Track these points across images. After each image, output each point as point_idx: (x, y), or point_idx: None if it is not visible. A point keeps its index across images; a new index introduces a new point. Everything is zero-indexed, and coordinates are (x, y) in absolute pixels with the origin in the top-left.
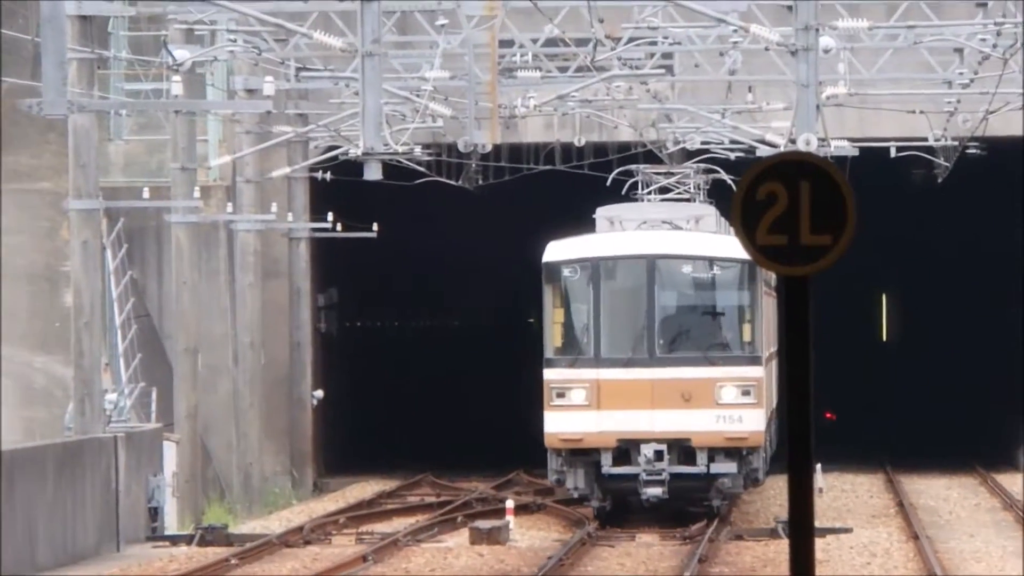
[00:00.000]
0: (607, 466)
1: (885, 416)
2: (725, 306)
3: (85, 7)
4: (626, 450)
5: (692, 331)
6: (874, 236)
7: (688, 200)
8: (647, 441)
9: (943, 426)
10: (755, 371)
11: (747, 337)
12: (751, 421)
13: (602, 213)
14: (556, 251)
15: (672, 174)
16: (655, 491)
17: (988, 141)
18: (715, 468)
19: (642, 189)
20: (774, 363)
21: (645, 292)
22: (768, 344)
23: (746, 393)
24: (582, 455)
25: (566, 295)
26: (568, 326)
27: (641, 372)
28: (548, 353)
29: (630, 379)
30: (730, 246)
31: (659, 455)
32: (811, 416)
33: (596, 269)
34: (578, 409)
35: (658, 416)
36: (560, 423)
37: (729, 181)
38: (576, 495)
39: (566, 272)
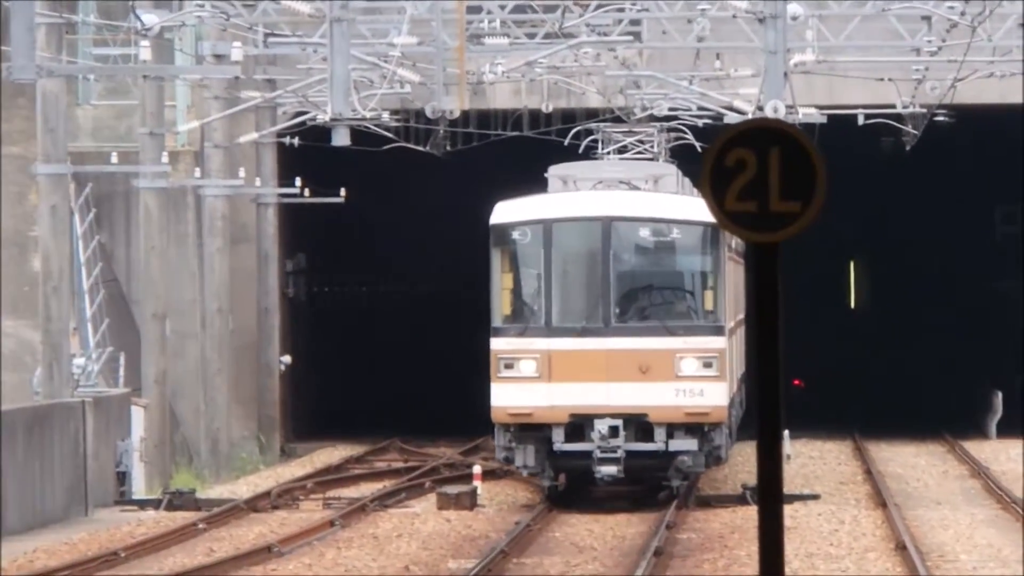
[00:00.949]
0: (559, 443)
1: (853, 383)
2: (686, 272)
3: None
4: (579, 425)
5: (650, 299)
6: (842, 204)
7: (649, 160)
8: (601, 416)
9: (911, 393)
10: (717, 341)
11: (709, 305)
12: (713, 395)
13: (554, 172)
14: (505, 212)
15: (634, 133)
16: (610, 469)
17: (956, 109)
18: (674, 445)
19: (602, 148)
20: (740, 332)
21: (600, 256)
22: (733, 313)
23: (708, 365)
24: (532, 430)
25: (515, 259)
26: (517, 293)
27: (595, 342)
28: (496, 322)
29: (583, 350)
30: (691, 208)
31: (614, 431)
32: (780, 384)
33: (547, 231)
34: (528, 381)
35: (613, 389)
36: (508, 396)
37: (697, 146)
38: (526, 473)
39: (515, 235)
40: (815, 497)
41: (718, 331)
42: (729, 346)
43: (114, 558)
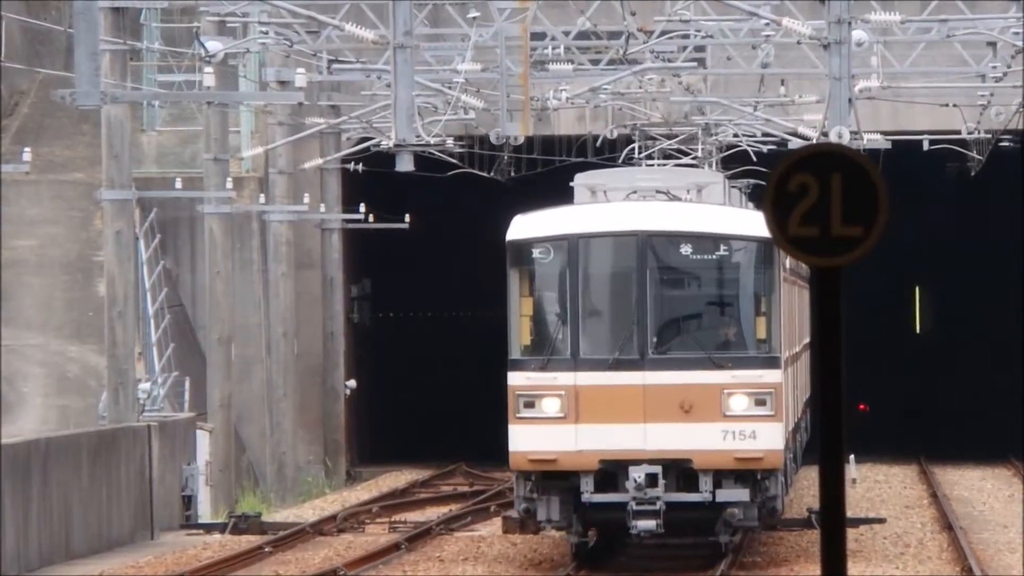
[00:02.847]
0: (588, 493)
1: (919, 407)
2: (735, 295)
3: None
4: (611, 473)
5: (693, 326)
6: (908, 229)
7: (692, 166)
8: (637, 462)
9: (977, 418)
10: (772, 375)
11: (762, 333)
12: (767, 437)
13: (582, 180)
14: (524, 227)
15: (674, 136)
16: (647, 524)
17: (1020, 134)
18: (722, 496)
19: (639, 153)
20: (799, 363)
21: (635, 277)
22: (790, 341)
23: (761, 403)
24: (557, 479)
25: (536, 282)
26: (539, 320)
27: (630, 377)
28: (514, 353)
29: (616, 385)
30: (741, 221)
31: (652, 480)
32: (843, 407)
33: (573, 249)
34: (551, 423)
35: (651, 431)
36: (529, 440)
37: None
38: (549, 528)
39: (536, 253)
40: (881, 521)
41: (772, 363)
42: (786, 379)
43: None
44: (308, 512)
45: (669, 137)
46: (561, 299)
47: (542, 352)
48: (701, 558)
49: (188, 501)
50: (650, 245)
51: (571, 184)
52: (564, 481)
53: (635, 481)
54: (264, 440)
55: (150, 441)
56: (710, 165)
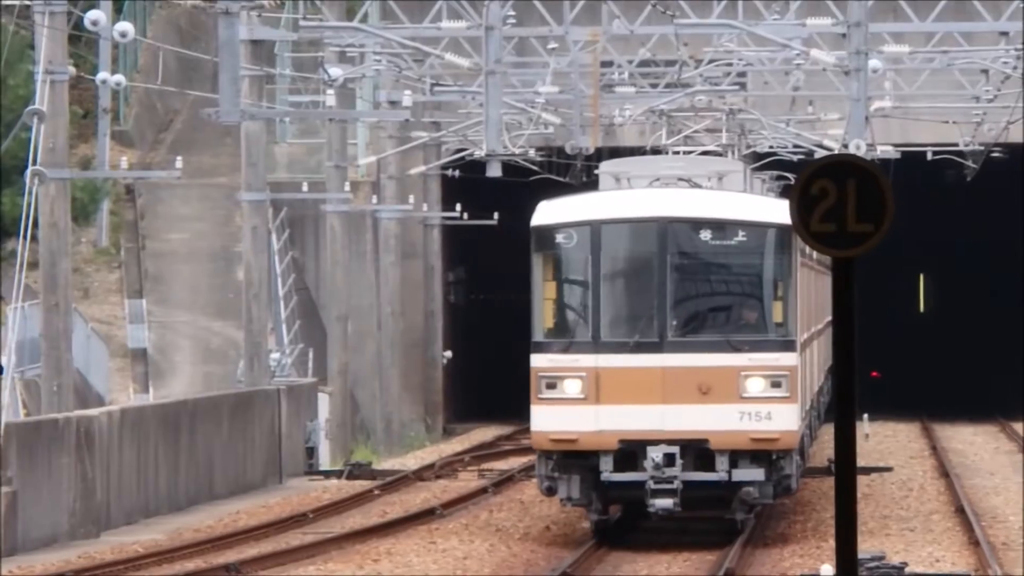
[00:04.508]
0: (607, 472)
1: (922, 375)
2: (753, 280)
3: (256, 32)
4: (631, 453)
5: (712, 310)
6: (913, 226)
7: (717, 155)
8: (656, 442)
9: (970, 383)
10: (788, 358)
11: (779, 317)
12: (782, 418)
13: (606, 168)
14: (548, 213)
15: (703, 117)
16: (665, 502)
17: (1009, 146)
18: (738, 475)
19: (667, 139)
20: (814, 345)
21: (655, 262)
22: (807, 325)
23: (776, 385)
24: (577, 458)
25: (559, 266)
26: (561, 304)
27: (649, 359)
28: (537, 336)
29: (636, 367)
30: (759, 207)
31: (670, 459)
32: (855, 379)
33: (596, 234)
34: (572, 403)
35: (669, 412)
36: (550, 420)
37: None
38: (570, 505)
39: (560, 238)
40: (889, 469)
41: (789, 346)
42: (802, 362)
43: (304, 518)
44: (411, 461)
45: (696, 116)
46: (583, 283)
47: (564, 335)
48: (718, 533)
49: (311, 452)
50: (670, 231)
51: (595, 172)
52: (584, 460)
53: (653, 461)
54: (374, 401)
55: (279, 402)
56: (733, 154)
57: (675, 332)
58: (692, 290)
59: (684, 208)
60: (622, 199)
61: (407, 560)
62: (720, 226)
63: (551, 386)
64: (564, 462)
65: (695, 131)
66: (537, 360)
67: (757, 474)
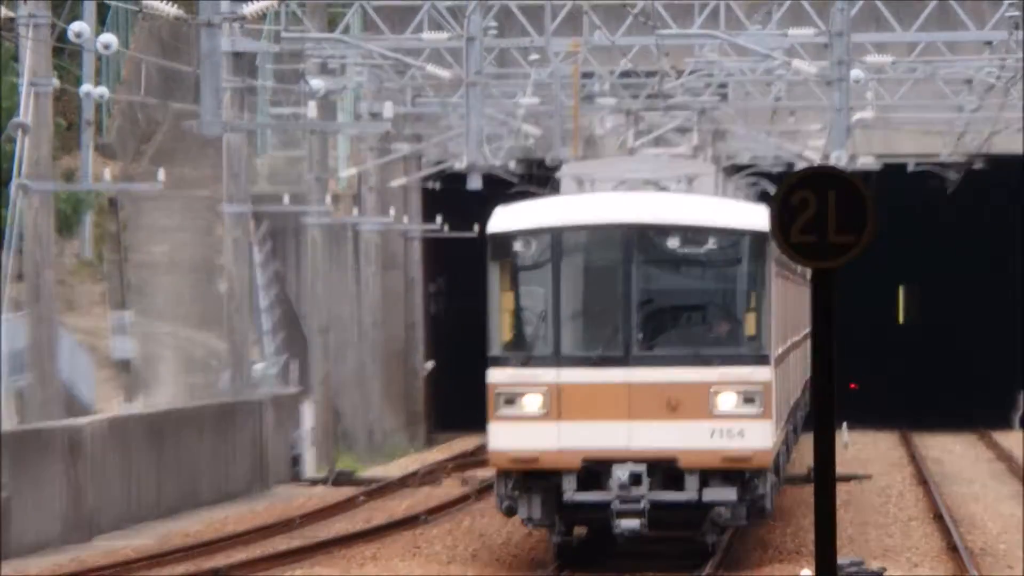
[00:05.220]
0: (570, 492)
1: (901, 385)
2: (724, 290)
3: (238, 44)
4: (595, 472)
5: (680, 322)
6: (893, 237)
7: (684, 157)
8: (621, 461)
9: (949, 393)
10: (762, 373)
11: (752, 330)
12: (755, 436)
13: (568, 171)
14: (505, 219)
15: (673, 116)
16: (631, 524)
17: (991, 158)
18: (709, 495)
19: (634, 141)
20: (791, 358)
21: (620, 271)
22: (782, 337)
23: (750, 400)
24: (538, 478)
25: (517, 275)
26: (520, 315)
27: (614, 374)
28: (494, 349)
29: (600, 383)
30: (731, 213)
31: (636, 479)
32: (834, 385)
33: (556, 241)
34: (533, 420)
35: (636, 429)
36: (509, 438)
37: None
38: (531, 527)
39: (518, 246)
40: (868, 477)
41: (762, 360)
42: (777, 377)
43: (290, 523)
44: (394, 469)
45: (665, 110)
46: (543, 293)
47: (523, 348)
48: (689, 556)
49: (296, 460)
50: (636, 237)
51: (556, 176)
52: (546, 480)
53: (619, 480)
54: (357, 411)
55: (263, 412)
56: (704, 156)
57: (641, 345)
58: (659, 301)
59: (651, 213)
60: (584, 203)
61: (392, 565)
62: (689, 232)
63: (510, 402)
64: (524, 482)
65: (665, 131)
66: (494, 375)
67: (729, 494)
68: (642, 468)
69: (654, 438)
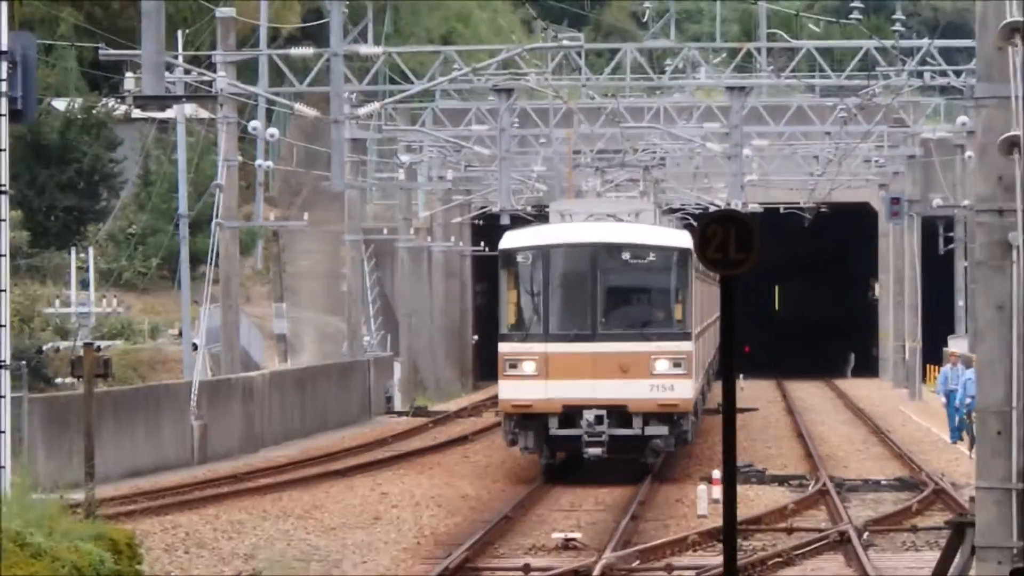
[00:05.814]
0: (554, 429)
1: (777, 349)
2: (659, 288)
3: (354, 133)
4: (571, 415)
5: (630, 310)
6: (772, 255)
7: (634, 198)
8: (589, 407)
9: (806, 354)
10: (686, 345)
11: (679, 315)
12: (681, 389)
13: (555, 207)
14: (510, 239)
15: (628, 171)
16: (595, 451)
17: (831, 204)
18: (649, 430)
19: (601, 187)
20: (706, 335)
21: (589, 275)
22: (700, 320)
23: (677, 365)
24: (532, 419)
25: (519, 278)
26: (520, 305)
27: (585, 346)
28: (503, 329)
29: (575, 352)
30: (665, 236)
31: (599, 419)
32: (733, 350)
33: (545, 255)
34: (529, 379)
35: (599, 385)
36: (513, 391)
37: (692, 223)
38: (526, 453)
39: (519, 258)
40: (755, 409)
41: (686, 336)
42: (696, 348)
43: (385, 441)
44: (452, 406)
45: (621, 166)
46: (536, 291)
47: (522, 329)
48: (635, 472)
49: (389, 399)
50: (600, 252)
51: (546, 209)
52: (537, 420)
53: (587, 420)
54: (428, 367)
55: (369, 368)
56: (648, 199)
57: (603, 326)
58: (615, 296)
59: (610, 236)
60: (564, 229)
61: (451, 468)
62: (637, 249)
63: (513, 366)
64: (522, 422)
65: (622, 181)
66: (503, 347)
67: (663, 430)
68: (603, 412)
69: (612, 391)
